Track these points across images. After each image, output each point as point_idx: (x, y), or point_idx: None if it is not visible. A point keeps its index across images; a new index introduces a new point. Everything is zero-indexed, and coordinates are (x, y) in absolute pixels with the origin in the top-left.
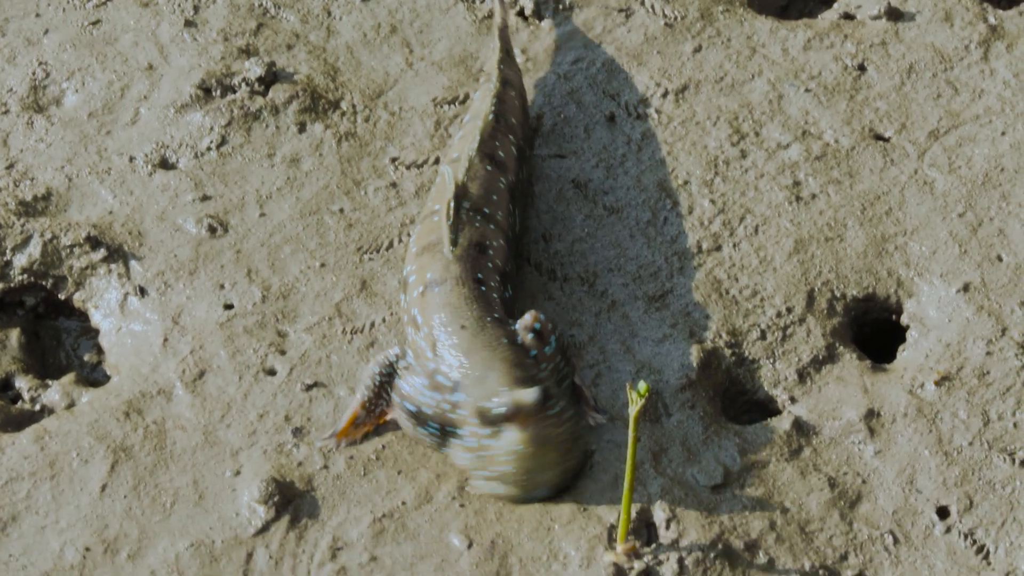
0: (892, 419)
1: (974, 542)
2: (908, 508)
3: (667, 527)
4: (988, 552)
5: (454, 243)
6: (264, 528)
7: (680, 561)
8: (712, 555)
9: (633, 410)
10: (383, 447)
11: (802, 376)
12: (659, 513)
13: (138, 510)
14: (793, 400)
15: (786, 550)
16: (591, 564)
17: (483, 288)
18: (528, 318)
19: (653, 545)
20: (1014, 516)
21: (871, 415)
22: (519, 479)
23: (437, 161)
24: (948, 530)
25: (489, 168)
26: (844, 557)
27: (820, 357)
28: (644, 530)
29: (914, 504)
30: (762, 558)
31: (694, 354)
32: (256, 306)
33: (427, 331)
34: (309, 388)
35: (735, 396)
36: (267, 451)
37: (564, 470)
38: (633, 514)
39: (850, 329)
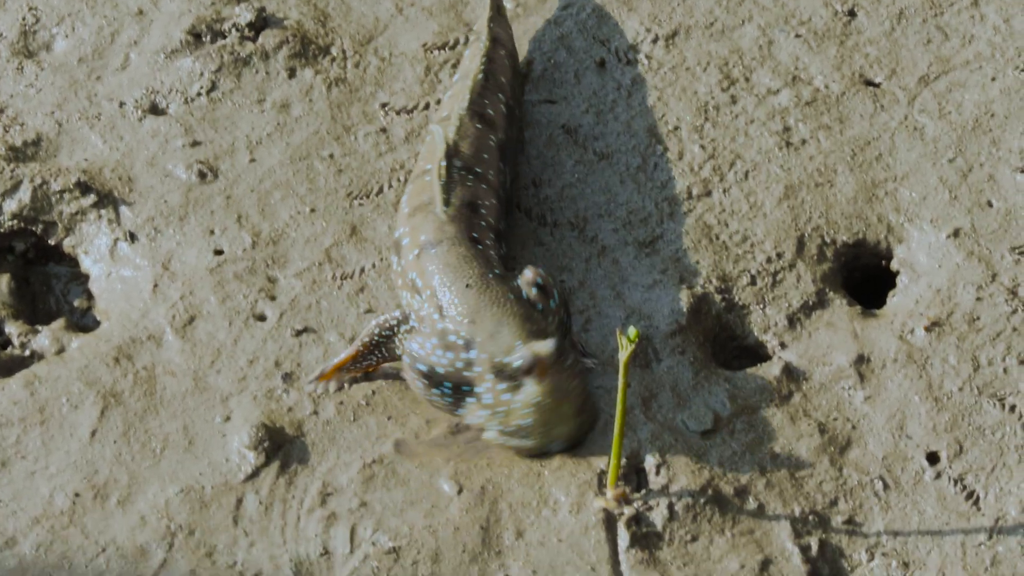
0: (882, 365)
1: (964, 488)
2: (898, 454)
3: (657, 473)
4: (978, 498)
5: (447, 203)
6: (254, 474)
7: (670, 507)
8: (702, 500)
9: (623, 355)
10: (373, 392)
11: (792, 322)
12: (649, 459)
13: (128, 456)
14: (783, 346)
15: (776, 496)
16: (581, 510)
17: (479, 247)
18: (529, 274)
19: (643, 491)
20: (1004, 462)
21: (861, 361)
22: (537, 431)
23: (427, 107)
24: (938, 476)
25: (479, 126)
26: (834, 503)
27: (810, 303)
28: (634, 476)
29: (904, 450)
30: (752, 504)
31: (684, 300)
32: (246, 252)
33: (430, 294)
34: (299, 333)
35: (725, 342)
36: (257, 397)
37: (580, 423)
38: (623, 460)
39: (840, 275)
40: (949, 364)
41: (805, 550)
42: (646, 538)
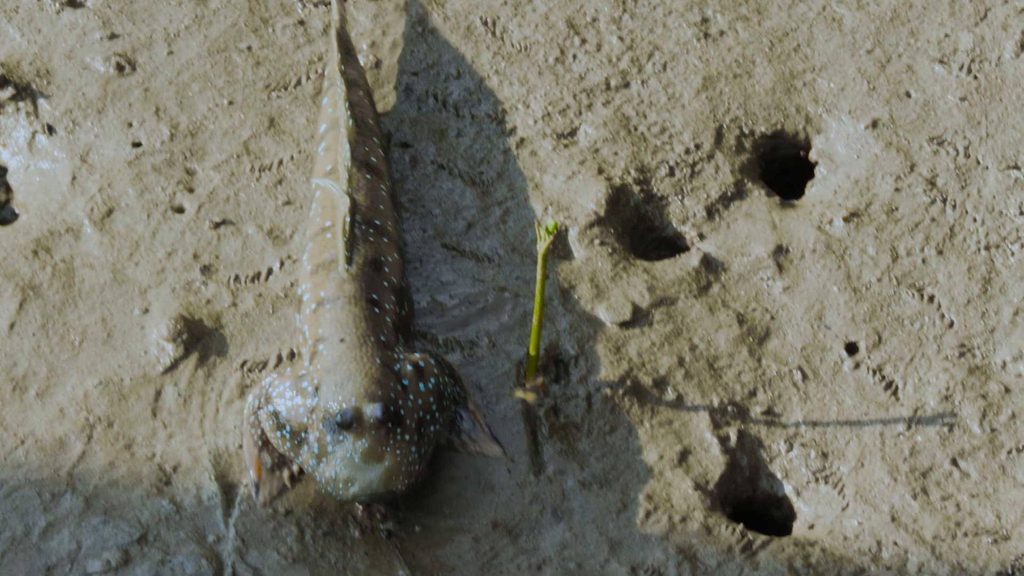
0: (801, 255)
1: (883, 378)
2: (817, 344)
3: (575, 364)
4: (897, 388)
5: (349, 261)
6: (173, 366)
7: (588, 398)
8: (620, 391)
9: (541, 247)
10: (291, 284)
11: (711, 213)
12: (568, 350)
13: (46, 348)
14: (702, 237)
15: (695, 386)
16: (500, 400)
17: (376, 309)
18: (416, 355)
19: (562, 382)
20: (923, 352)
21: (780, 251)
22: (345, 488)
23: None
24: (857, 366)
25: (368, 176)
26: (753, 393)
27: (728, 194)
28: (553, 367)
29: (823, 340)
30: (671, 394)
31: (603, 191)
32: (164, 144)
33: (311, 343)
34: (217, 226)
35: (644, 233)
36: (175, 289)
37: (385, 492)
38: (542, 351)
39: (758, 166)
40: (868, 254)
41: (724, 440)
42: (565, 429)
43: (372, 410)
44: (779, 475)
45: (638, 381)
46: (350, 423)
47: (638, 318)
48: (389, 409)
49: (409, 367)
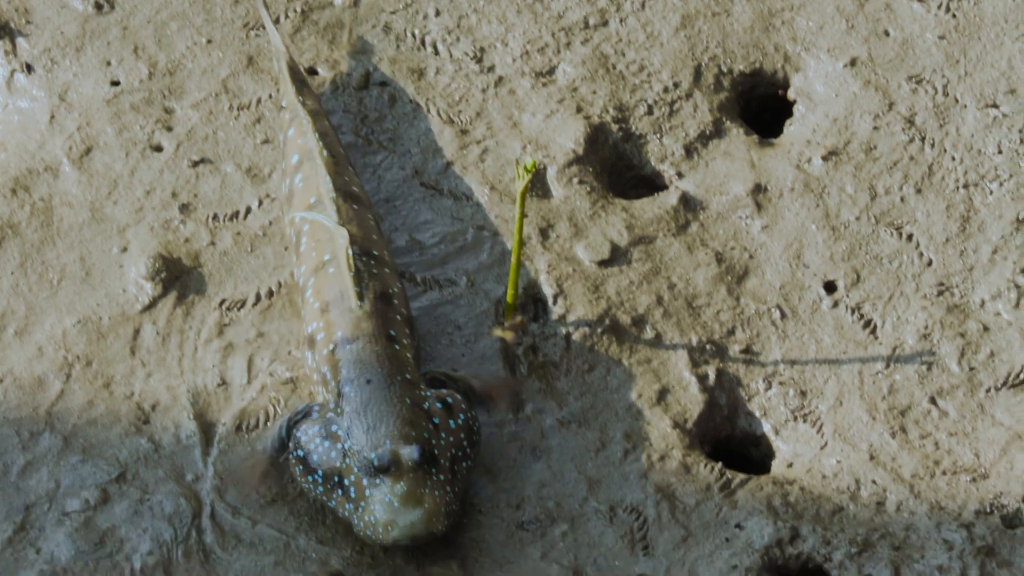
0: (779, 194)
1: (861, 316)
2: (795, 283)
3: (554, 302)
4: (875, 327)
5: (360, 296)
6: (151, 305)
7: (567, 336)
8: (599, 330)
9: (520, 185)
10: (270, 223)
11: (689, 151)
12: (546, 289)
13: (25, 287)
14: (680, 175)
15: (673, 325)
16: (478, 339)
17: (397, 346)
18: (444, 391)
19: (540, 321)
20: (901, 290)
21: (758, 190)
22: (386, 532)
23: None
24: (835, 305)
25: (355, 207)
26: (731, 332)
27: (707, 132)
28: (531, 306)
29: (801, 279)
30: (649, 333)
31: (581, 129)
32: (143, 82)
33: (334, 385)
34: (196, 164)
35: (622, 171)
36: (154, 227)
37: (427, 533)
38: (520, 290)
39: (737, 104)
40: (846, 193)
41: (703, 379)
42: (543, 368)
43: (409, 452)
44: (758, 414)
45: (617, 320)
46: (388, 466)
47: (616, 257)
48: (425, 450)
49: (439, 405)
